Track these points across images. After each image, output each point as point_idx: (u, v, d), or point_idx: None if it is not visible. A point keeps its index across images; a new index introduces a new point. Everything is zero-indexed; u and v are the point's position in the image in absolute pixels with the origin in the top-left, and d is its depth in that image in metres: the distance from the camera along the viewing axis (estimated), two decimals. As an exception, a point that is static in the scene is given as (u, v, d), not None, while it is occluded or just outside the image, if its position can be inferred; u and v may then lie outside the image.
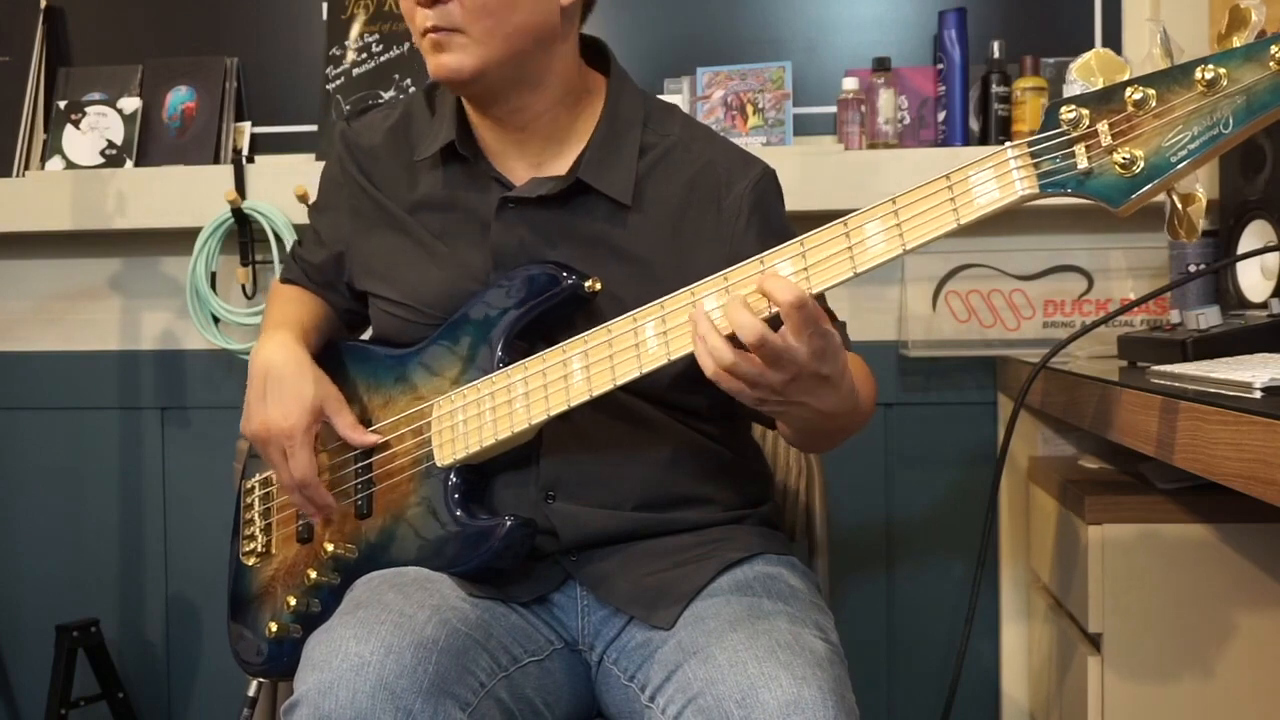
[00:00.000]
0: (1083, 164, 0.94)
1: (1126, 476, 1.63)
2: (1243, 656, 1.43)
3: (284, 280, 1.45)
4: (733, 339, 1.02)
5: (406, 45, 2.15)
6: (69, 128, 2.21)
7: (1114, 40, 2.07)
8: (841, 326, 1.31)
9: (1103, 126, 0.94)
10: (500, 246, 1.26)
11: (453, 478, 1.22)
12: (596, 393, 1.13)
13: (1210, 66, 0.89)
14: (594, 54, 1.33)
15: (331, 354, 1.35)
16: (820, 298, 1.08)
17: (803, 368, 1.02)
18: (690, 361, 1.07)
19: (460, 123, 1.29)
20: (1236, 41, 0.89)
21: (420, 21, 1.19)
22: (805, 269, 1.04)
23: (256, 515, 1.37)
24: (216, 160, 2.18)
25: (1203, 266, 1.69)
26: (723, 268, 1.07)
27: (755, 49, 2.12)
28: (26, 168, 2.21)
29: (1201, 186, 0.95)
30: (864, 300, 2.08)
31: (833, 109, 2.08)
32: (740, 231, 1.26)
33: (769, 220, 1.28)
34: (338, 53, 2.18)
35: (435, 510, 1.22)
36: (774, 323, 1.01)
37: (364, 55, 2.17)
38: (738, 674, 1.02)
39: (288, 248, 2.06)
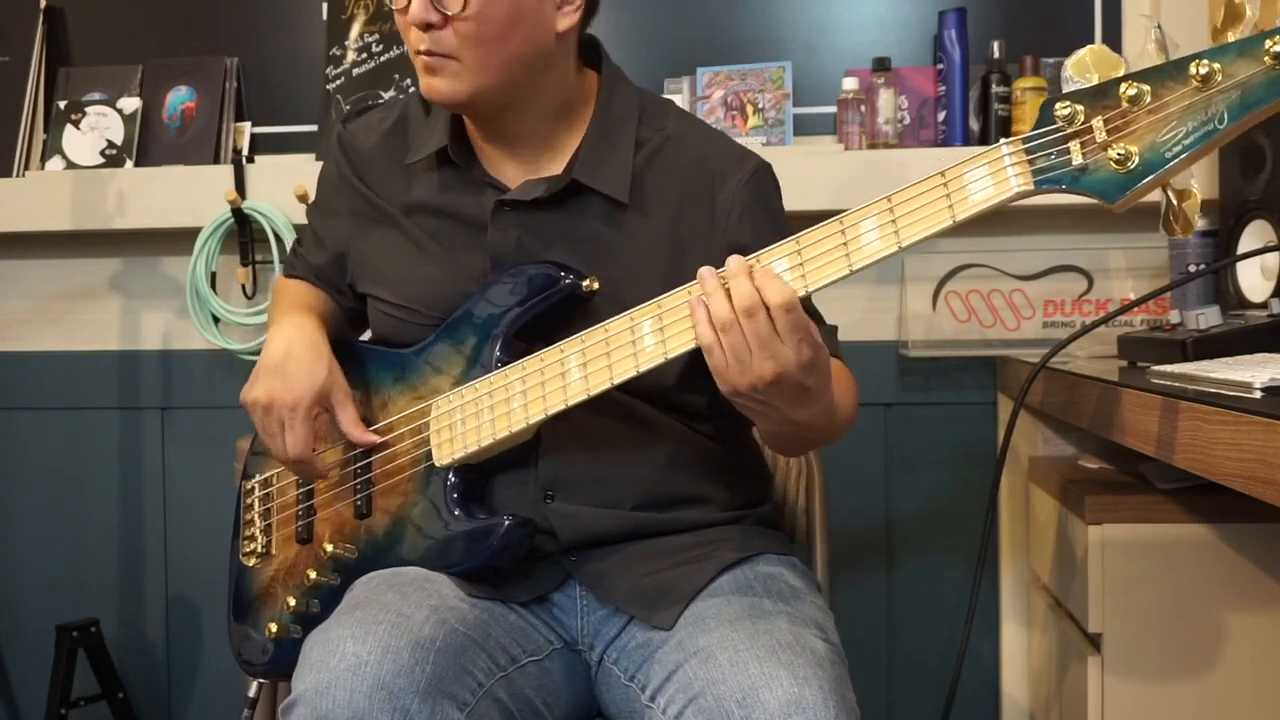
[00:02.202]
0: (1078, 160, 0.95)
1: (1126, 476, 1.63)
2: (1243, 656, 1.43)
3: (289, 276, 1.45)
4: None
5: (406, 45, 2.15)
6: (69, 128, 2.21)
7: (1114, 39, 2.06)
8: (832, 331, 1.31)
9: (1098, 122, 0.94)
10: (498, 249, 1.26)
11: (451, 477, 1.22)
12: (594, 392, 1.13)
13: (1205, 62, 0.89)
14: (585, 50, 1.32)
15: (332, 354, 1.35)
16: (807, 300, 1.08)
17: (786, 372, 1.02)
18: (688, 361, 1.07)
19: (454, 129, 1.29)
20: (1231, 37, 0.89)
21: (414, 42, 1.19)
22: (801, 266, 1.04)
23: (256, 516, 1.37)
24: (216, 160, 2.18)
25: (1203, 266, 1.69)
26: (718, 262, 1.07)
27: (755, 49, 2.12)
28: (26, 168, 2.21)
29: (1196, 182, 0.95)
30: (864, 300, 2.08)
31: (833, 109, 2.08)
32: (734, 225, 1.26)
33: (764, 214, 1.28)
34: (338, 53, 2.18)
35: (434, 510, 1.21)
36: None
37: (364, 55, 2.17)
38: (739, 674, 1.02)
39: (288, 248, 2.06)
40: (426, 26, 1.17)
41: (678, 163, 1.28)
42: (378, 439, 1.27)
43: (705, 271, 1.05)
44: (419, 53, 1.19)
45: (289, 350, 1.25)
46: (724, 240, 1.24)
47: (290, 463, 1.26)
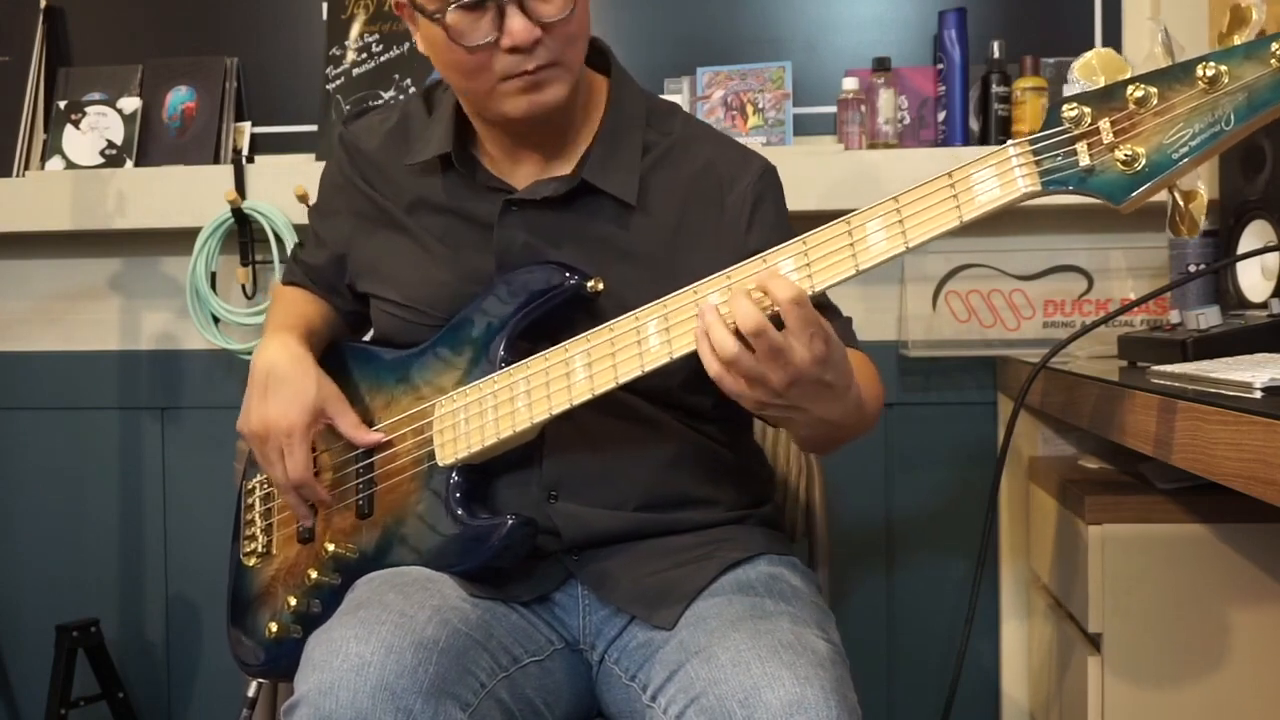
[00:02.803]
0: (1085, 161, 0.95)
1: (1126, 476, 1.63)
2: (1243, 656, 1.43)
3: (286, 283, 1.45)
4: (736, 334, 1.01)
5: (406, 45, 2.15)
6: (69, 128, 2.21)
7: (1114, 40, 2.07)
8: (847, 322, 1.31)
9: (1104, 124, 0.94)
10: (504, 249, 1.26)
11: (454, 477, 1.22)
12: (599, 391, 1.13)
13: (1211, 64, 0.89)
14: (595, 54, 1.33)
15: (333, 355, 1.35)
16: (823, 295, 1.08)
17: (803, 370, 1.01)
18: (693, 363, 1.07)
19: (457, 134, 1.28)
20: (1237, 40, 0.90)
21: (514, 65, 1.16)
22: (808, 266, 1.04)
23: (257, 516, 1.37)
24: (216, 160, 2.18)
25: (1203, 266, 1.69)
26: (726, 265, 1.07)
27: (755, 49, 2.12)
28: (26, 168, 2.21)
29: (1203, 183, 0.95)
30: (864, 300, 2.08)
31: (833, 109, 2.08)
32: (743, 228, 1.27)
33: (771, 216, 1.29)
34: (338, 53, 2.18)
35: (436, 510, 1.21)
36: (776, 324, 1.01)
37: (364, 55, 2.17)
38: (740, 674, 1.02)
39: (288, 248, 2.07)
40: (534, 44, 1.15)
41: (685, 166, 1.29)
42: (382, 438, 1.27)
43: (705, 305, 1.04)
44: (525, 73, 1.16)
45: (272, 371, 1.25)
46: (733, 243, 1.24)
47: (291, 488, 1.25)
